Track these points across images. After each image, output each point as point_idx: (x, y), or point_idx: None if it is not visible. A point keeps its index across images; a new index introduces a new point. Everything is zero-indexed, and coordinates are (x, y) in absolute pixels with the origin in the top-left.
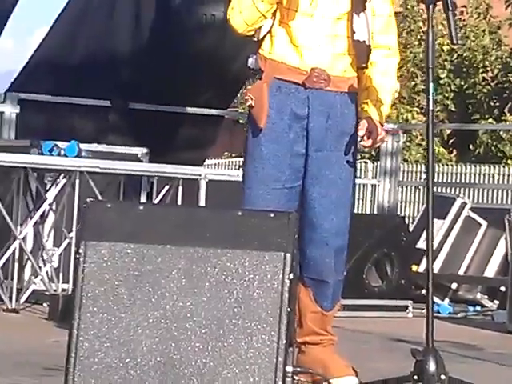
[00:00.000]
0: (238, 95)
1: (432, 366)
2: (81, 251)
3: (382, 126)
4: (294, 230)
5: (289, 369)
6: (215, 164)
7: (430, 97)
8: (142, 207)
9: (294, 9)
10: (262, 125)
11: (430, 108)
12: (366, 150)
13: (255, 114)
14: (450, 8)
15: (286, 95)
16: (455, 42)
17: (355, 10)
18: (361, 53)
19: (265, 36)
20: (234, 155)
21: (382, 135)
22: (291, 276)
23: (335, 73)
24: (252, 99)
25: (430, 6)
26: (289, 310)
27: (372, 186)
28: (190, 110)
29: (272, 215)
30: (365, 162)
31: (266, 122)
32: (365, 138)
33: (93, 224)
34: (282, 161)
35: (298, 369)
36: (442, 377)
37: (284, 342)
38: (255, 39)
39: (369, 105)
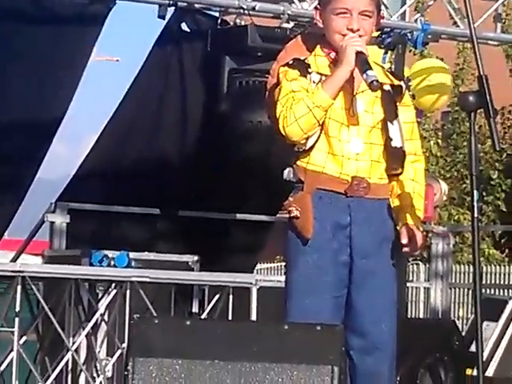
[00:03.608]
0: None
1: None
2: (129, 368)
3: (420, 230)
4: (341, 343)
5: None
6: (267, 268)
7: (475, 204)
8: (188, 322)
9: (334, 119)
10: (309, 235)
11: (475, 215)
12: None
13: (300, 224)
14: (492, 115)
15: (328, 205)
16: (497, 148)
17: (388, 117)
18: (396, 159)
19: (311, 147)
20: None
21: (422, 241)
22: None
23: (373, 180)
24: (297, 210)
25: (472, 114)
26: None
27: (424, 288)
28: (239, 216)
29: (318, 328)
30: (417, 264)
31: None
32: (406, 244)
33: (140, 340)
34: (326, 270)
35: None
36: None
37: None
38: (304, 149)
39: (404, 211)
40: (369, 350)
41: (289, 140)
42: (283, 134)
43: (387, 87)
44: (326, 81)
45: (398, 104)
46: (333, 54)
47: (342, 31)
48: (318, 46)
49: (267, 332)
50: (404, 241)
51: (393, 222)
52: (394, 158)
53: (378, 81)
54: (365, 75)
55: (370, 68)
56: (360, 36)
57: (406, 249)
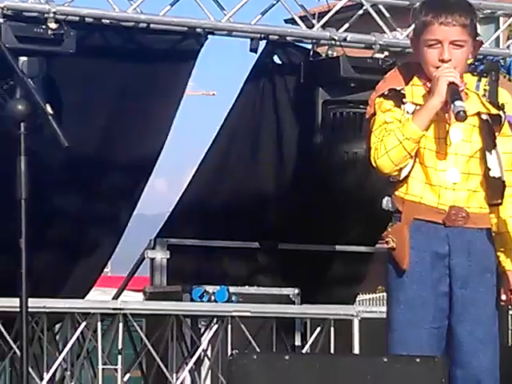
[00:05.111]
0: None
1: None
2: None
3: None
4: (442, 374)
5: None
6: (369, 299)
7: None
8: (287, 357)
9: (430, 148)
10: (405, 266)
11: None
12: None
13: (397, 255)
14: None
15: (426, 235)
16: None
17: (487, 147)
18: (495, 190)
19: (406, 177)
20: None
21: None
22: None
23: (472, 210)
24: (393, 241)
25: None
26: None
27: None
28: (338, 247)
29: (418, 360)
30: None
31: (409, 263)
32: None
33: (239, 376)
34: (427, 301)
35: None
36: None
37: None
38: (398, 179)
39: (506, 255)
40: (470, 380)
41: (380, 172)
42: (374, 165)
43: (485, 116)
44: (416, 112)
45: (496, 134)
46: (429, 84)
47: (435, 63)
48: (416, 76)
49: (366, 365)
50: (503, 297)
51: (494, 250)
52: (494, 188)
53: (465, 111)
54: (452, 105)
55: (460, 98)
56: (454, 67)
57: (502, 303)
